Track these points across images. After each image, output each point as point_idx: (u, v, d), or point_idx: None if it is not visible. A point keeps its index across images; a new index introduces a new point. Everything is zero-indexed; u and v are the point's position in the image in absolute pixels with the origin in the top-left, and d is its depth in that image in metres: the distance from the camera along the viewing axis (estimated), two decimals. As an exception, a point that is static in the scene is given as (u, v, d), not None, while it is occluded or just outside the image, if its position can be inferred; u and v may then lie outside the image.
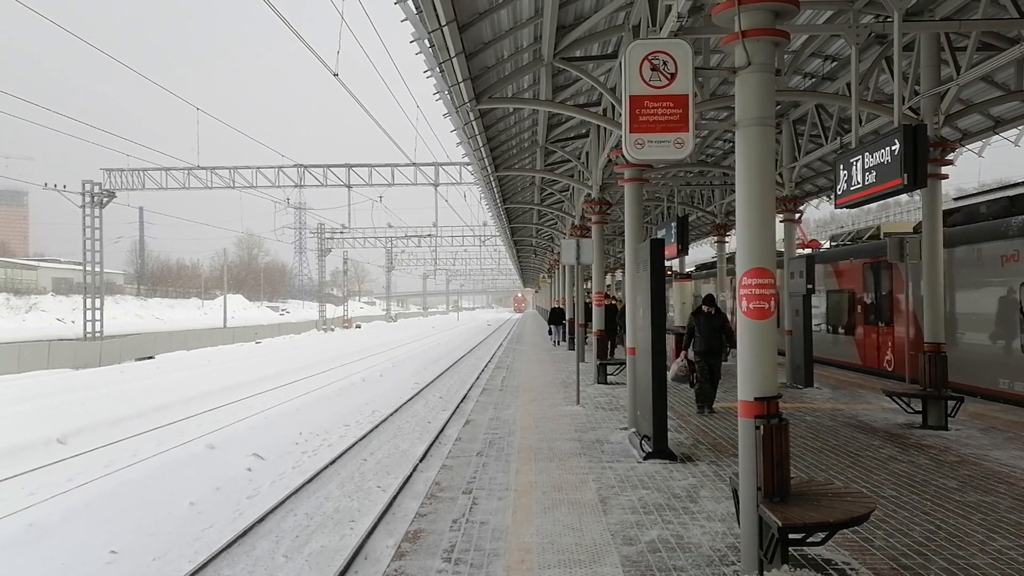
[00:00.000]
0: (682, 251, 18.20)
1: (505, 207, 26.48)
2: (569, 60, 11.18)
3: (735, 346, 10.63)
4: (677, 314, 22.64)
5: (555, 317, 33.53)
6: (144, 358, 42.46)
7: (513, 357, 26.61)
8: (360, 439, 14.59)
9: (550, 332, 34.95)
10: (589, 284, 31.13)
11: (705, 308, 12.12)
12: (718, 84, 13.44)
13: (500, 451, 9.83)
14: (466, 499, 7.55)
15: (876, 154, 7.41)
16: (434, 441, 13.89)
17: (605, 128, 14.21)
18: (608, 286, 42.16)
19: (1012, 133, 15.21)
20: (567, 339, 29.13)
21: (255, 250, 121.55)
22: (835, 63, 13.22)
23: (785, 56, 12.24)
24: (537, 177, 22.08)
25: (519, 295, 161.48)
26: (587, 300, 22.54)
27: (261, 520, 9.31)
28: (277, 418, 17.65)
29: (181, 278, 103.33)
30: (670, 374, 11.95)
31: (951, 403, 10.73)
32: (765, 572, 5.14)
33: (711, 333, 12.00)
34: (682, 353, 12.53)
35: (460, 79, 10.39)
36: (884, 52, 11.74)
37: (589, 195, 17.01)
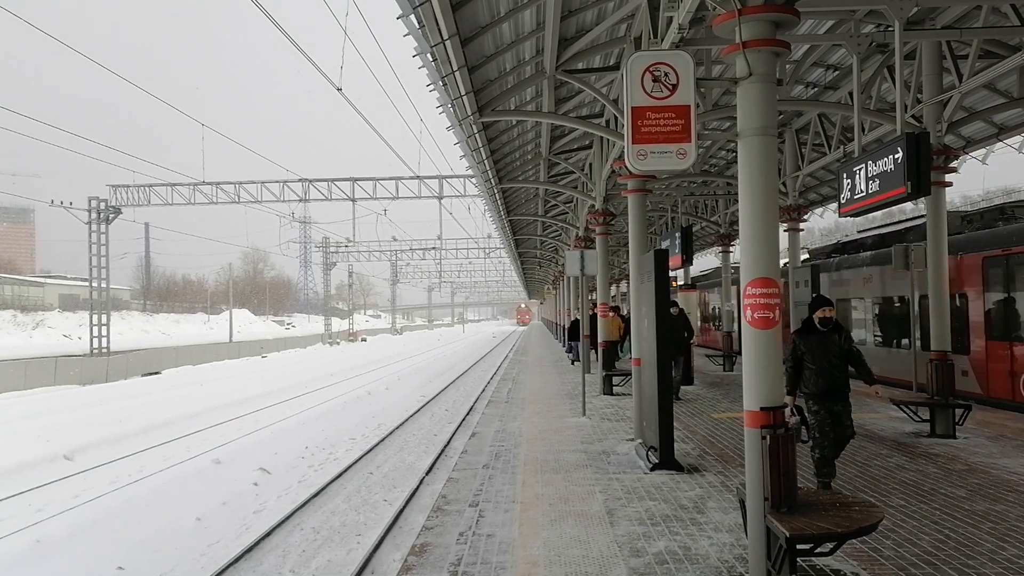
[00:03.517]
0: (686, 261, 18.24)
1: (509, 219, 26.51)
2: (571, 72, 11.22)
3: (870, 379, 7.56)
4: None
5: (575, 332, 27.56)
6: (150, 373, 42.52)
7: (519, 369, 26.57)
8: (366, 452, 14.57)
9: (569, 349, 29.33)
10: (594, 296, 31.11)
11: (820, 315, 7.54)
12: (720, 94, 13.46)
13: (506, 463, 9.80)
14: (472, 512, 7.53)
15: (879, 162, 7.40)
16: (440, 454, 13.87)
17: (608, 139, 14.24)
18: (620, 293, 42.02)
19: (1016, 140, 15.20)
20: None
21: (260, 264, 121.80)
22: (837, 72, 13.25)
23: (787, 66, 12.27)
24: (541, 189, 22.12)
25: (523, 306, 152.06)
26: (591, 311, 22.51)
27: (268, 535, 9.30)
28: (283, 432, 17.64)
29: (187, 293, 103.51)
30: None
31: (958, 411, 10.68)
32: (773, 583, 5.10)
33: (831, 362, 7.47)
34: (786, 399, 7.03)
35: (463, 92, 10.43)
36: (886, 61, 11.76)
37: (593, 206, 17.02)
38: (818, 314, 7.51)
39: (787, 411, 6.78)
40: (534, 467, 9.50)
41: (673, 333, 13.55)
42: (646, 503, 7.64)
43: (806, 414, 7.47)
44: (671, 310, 13.49)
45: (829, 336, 7.49)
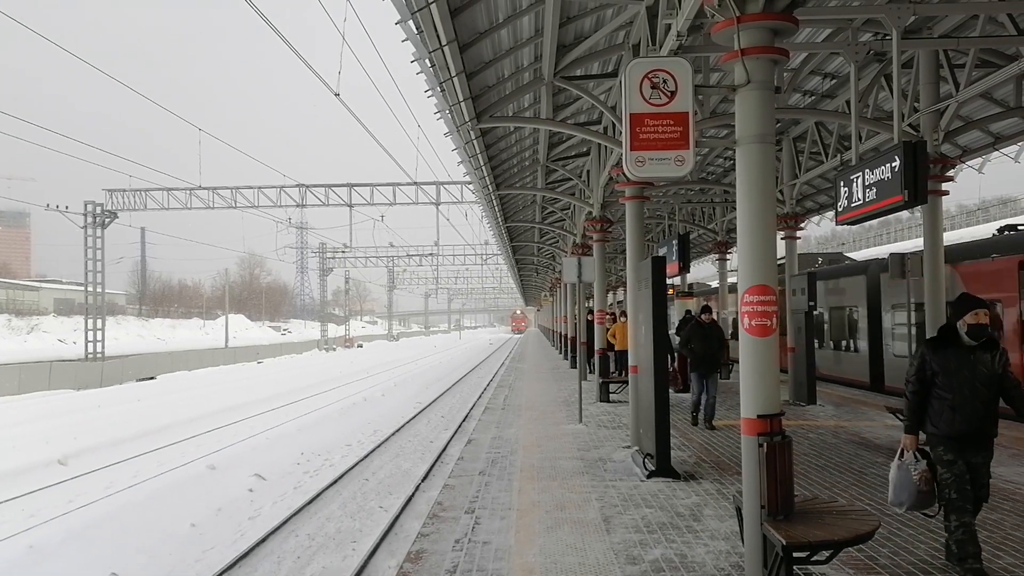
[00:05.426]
0: (683, 268, 18.25)
1: (506, 226, 26.53)
2: (569, 79, 11.24)
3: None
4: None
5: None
6: (146, 379, 42.40)
7: (515, 376, 26.56)
8: (362, 459, 14.52)
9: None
10: (591, 303, 31.09)
11: (972, 320, 5.26)
12: (718, 102, 13.50)
13: (502, 470, 9.78)
14: (468, 519, 7.50)
15: (876, 171, 7.43)
16: (436, 461, 13.83)
17: (606, 146, 14.25)
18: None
19: (1012, 149, 15.26)
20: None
21: (257, 270, 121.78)
22: (835, 81, 13.28)
23: (784, 74, 12.30)
24: (538, 196, 22.15)
25: (518, 312, 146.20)
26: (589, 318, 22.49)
27: (262, 541, 9.25)
28: (279, 438, 17.58)
29: (183, 298, 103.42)
30: (895, 495, 5.47)
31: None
32: (770, 591, 5.08)
33: (976, 390, 5.24)
34: (905, 440, 5.46)
35: (461, 98, 10.44)
36: (883, 69, 11.80)
37: (590, 213, 17.04)
38: (968, 319, 5.24)
39: (908, 455, 5.35)
40: (530, 474, 9.48)
41: (706, 345, 12.34)
42: (642, 510, 7.62)
43: (937, 464, 5.37)
44: (703, 316, 12.71)
45: (978, 354, 5.25)
